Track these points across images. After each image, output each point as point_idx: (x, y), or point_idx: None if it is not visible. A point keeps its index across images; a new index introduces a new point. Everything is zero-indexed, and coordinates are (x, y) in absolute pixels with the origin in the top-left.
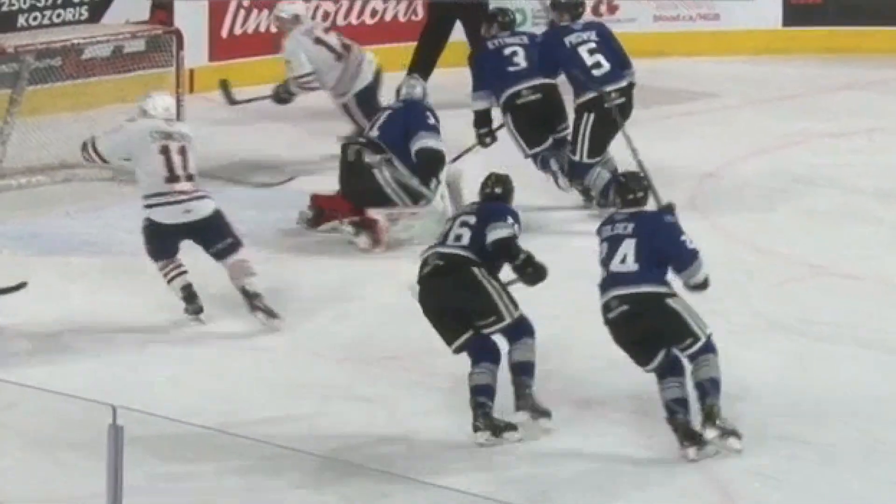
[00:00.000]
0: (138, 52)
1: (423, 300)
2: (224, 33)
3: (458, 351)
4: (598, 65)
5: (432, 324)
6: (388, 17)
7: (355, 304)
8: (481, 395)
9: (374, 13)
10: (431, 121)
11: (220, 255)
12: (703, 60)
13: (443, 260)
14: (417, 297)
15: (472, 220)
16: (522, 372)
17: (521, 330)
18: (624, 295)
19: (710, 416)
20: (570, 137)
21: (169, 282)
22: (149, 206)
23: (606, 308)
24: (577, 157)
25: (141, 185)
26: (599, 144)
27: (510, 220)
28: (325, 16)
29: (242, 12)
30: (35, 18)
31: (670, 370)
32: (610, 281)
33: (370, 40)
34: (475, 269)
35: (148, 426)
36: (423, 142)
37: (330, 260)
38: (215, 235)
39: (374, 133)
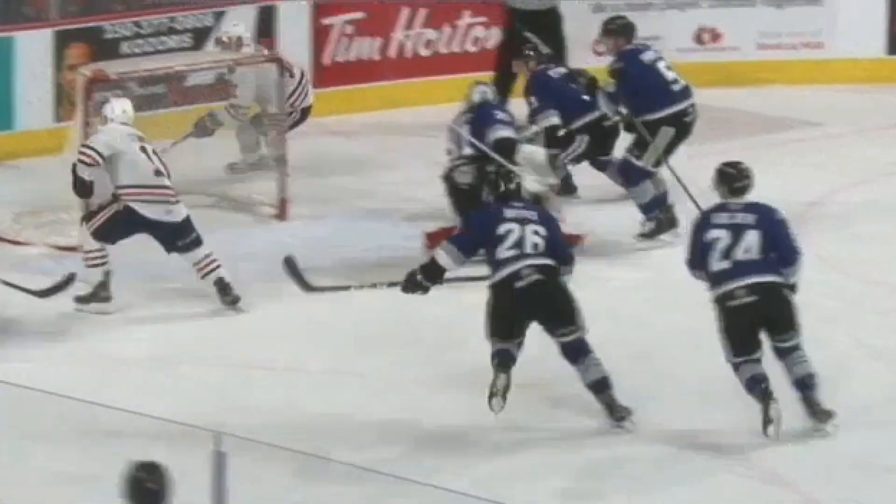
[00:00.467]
0: None
1: (519, 308)
2: (327, 60)
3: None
4: (676, 80)
5: (507, 323)
6: (489, 45)
7: (462, 333)
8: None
9: (475, 41)
10: (500, 115)
11: (185, 250)
12: (806, 89)
13: (541, 273)
14: (510, 305)
15: (542, 230)
16: (606, 387)
17: (586, 346)
18: (752, 284)
19: (820, 412)
20: (634, 142)
21: (93, 265)
22: (133, 197)
23: (730, 296)
24: (641, 163)
25: (122, 178)
26: (666, 157)
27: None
28: (427, 43)
29: (345, 40)
30: (139, 46)
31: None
32: (735, 270)
33: (473, 68)
34: (564, 280)
35: (252, 452)
36: (495, 133)
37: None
38: (181, 236)
39: (468, 151)
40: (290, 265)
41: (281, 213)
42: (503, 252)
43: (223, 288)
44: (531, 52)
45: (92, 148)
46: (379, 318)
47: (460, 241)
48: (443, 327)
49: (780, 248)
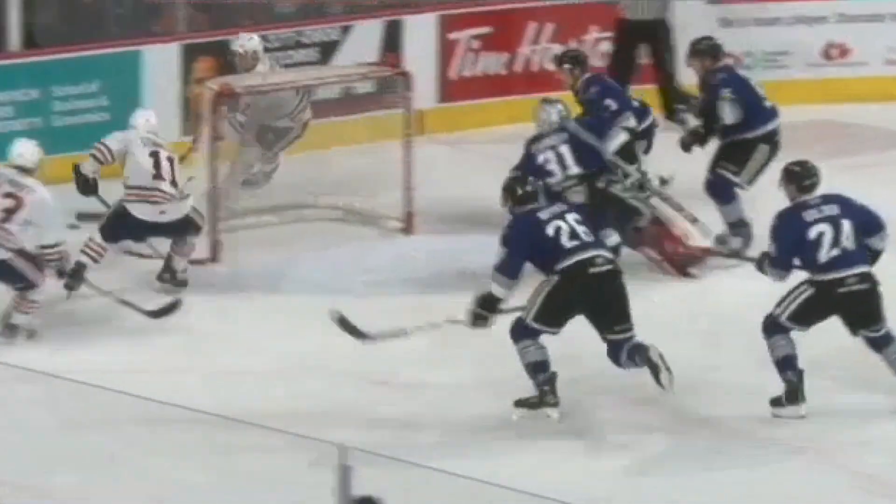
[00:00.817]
0: (368, 94)
1: (583, 295)
2: (453, 75)
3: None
4: (766, 98)
5: (562, 310)
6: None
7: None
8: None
9: (602, 55)
10: (593, 122)
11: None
12: None
13: (612, 264)
14: (576, 291)
15: (578, 216)
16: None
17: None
18: (862, 273)
19: None
20: (726, 158)
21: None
22: (129, 198)
23: (840, 283)
24: (739, 179)
25: (127, 179)
26: (758, 176)
27: None
28: (527, 63)
29: (472, 55)
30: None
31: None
32: (844, 259)
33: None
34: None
35: (377, 466)
36: (609, 144)
37: None
38: (182, 233)
39: (576, 170)
40: (342, 321)
41: (407, 227)
42: (567, 243)
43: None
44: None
45: (105, 144)
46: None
47: (506, 268)
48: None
49: (870, 221)
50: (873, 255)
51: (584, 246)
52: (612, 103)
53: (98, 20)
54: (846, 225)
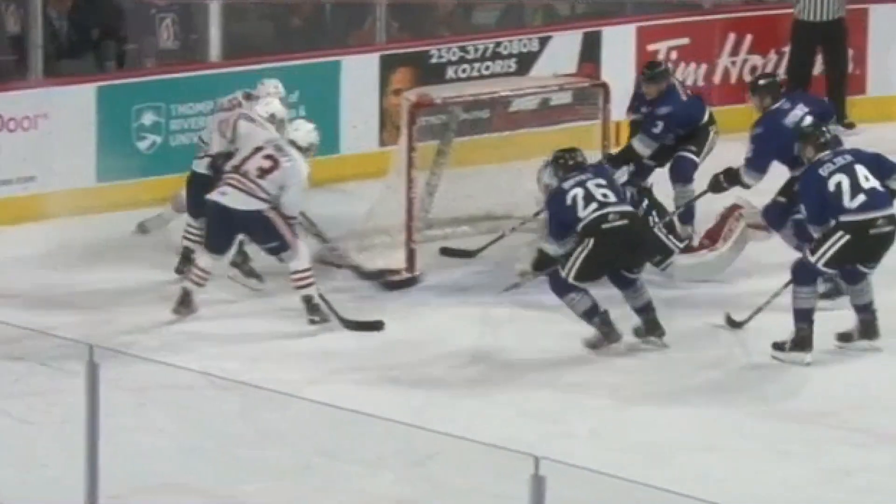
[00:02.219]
0: (565, 105)
1: (605, 248)
2: None
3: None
4: None
5: (595, 266)
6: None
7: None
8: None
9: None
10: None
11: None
12: None
13: (626, 218)
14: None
15: (602, 181)
16: (653, 309)
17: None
18: (889, 216)
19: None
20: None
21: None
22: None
23: (871, 224)
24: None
25: None
26: None
27: None
28: (753, 69)
29: (670, 65)
30: (464, 71)
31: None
32: (870, 201)
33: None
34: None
35: (569, 479)
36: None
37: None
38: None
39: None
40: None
41: None
42: (581, 213)
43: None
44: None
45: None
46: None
47: (551, 233)
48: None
49: (882, 165)
50: (892, 194)
51: (596, 208)
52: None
53: (298, 31)
54: (860, 169)
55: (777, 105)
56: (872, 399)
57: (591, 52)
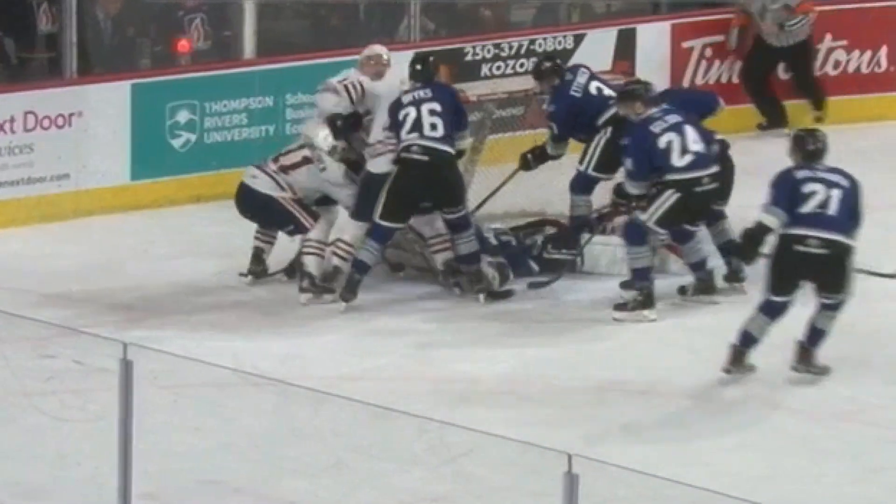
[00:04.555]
0: None
1: (403, 185)
2: (685, 82)
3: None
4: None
5: (392, 200)
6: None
7: None
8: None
9: (836, 64)
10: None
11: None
12: None
13: (428, 155)
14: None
15: (438, 106)
16: (478, 260)
17: (465, 223)
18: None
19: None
20: None
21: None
22: None
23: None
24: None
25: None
26: None
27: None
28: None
29: (704, 63)
30: (498, 68)
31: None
32: (697, 160)
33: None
34: (456, 164)
35: (604, 476)
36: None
37: None
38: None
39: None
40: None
41: None
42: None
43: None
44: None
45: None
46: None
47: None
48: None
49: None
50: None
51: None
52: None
53: (333, 29)
54: (689, 130)
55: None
56: None
57: (625, 49)
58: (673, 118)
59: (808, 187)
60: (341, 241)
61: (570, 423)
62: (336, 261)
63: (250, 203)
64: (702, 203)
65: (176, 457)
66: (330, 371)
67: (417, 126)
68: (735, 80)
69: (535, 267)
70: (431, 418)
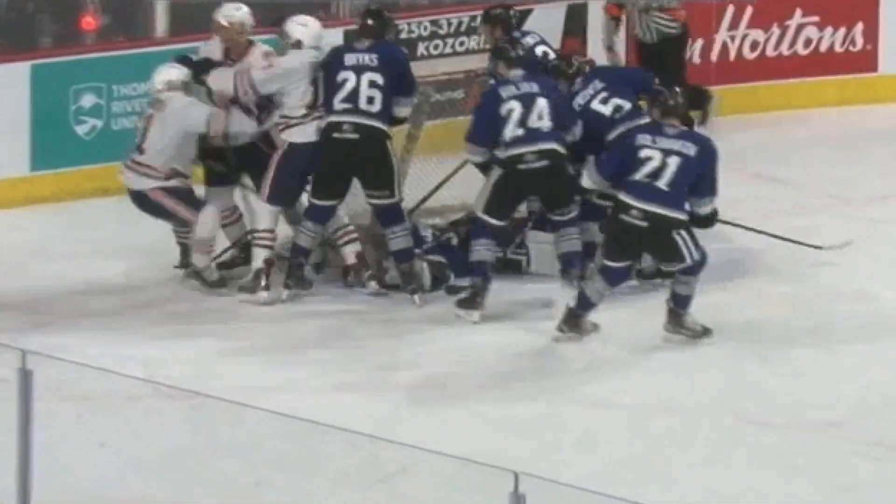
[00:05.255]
0: None
1: (330, 160)
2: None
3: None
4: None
5: (322, 177)
6: (822, 48)
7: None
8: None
9: (807, 43)
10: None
11: None
12: None
13: (358, 132)
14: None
15: (379, 78)
16: (403, 258)
17: (395, 215)
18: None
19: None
20: None
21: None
22: None
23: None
24: None
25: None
26: None
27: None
28: (754, 45)
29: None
30: (436, 47)
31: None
32: (526, 135)
33: (802, 72)
34: (387, 143)
35: (554, 495)
36: None
37: None
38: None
39: None
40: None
41: None
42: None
43: None
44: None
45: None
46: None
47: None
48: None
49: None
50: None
51: (346, 109)
52: None
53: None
54: (540, 104)
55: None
56: (881, 408)
57: (574, 25)
58: (528, 87)
59: (644, 153)
60: (259, 231)
61: (517, 439)
62: (262, 254)
63: (134, 201)
64: (530, 183)
65: (81, 474)
66: (250, 381)
67: (353, 97)
68: (696, 59)
69: None
70: (362, 433)
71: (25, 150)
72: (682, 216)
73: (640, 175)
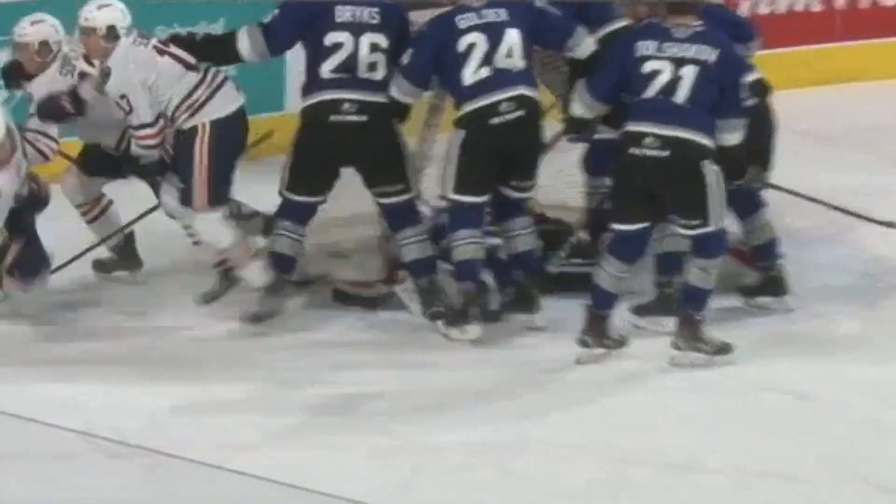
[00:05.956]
0: None
1: (320, 149)
2: None
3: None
4: None
5: (305, 169)
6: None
7: None
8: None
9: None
10: None
11: None
12: None
13: (367, 113)
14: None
15: (383, 40)
16: (419, 270)
17: (410, 216)
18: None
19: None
20: None
21: None
22: None
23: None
24: None
25: None
26: None
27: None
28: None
29: None
30: None
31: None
32: (492, 79)
33: None
34: (394, 122)
35: None
36: None
37: None
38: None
39: None
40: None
41: None
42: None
43: None
44: None
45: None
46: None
47: None
48: None
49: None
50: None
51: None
52: None
53: None
54: (511, 37)
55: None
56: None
57: None
58: (494, 15)
59: (649, 66)
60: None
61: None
62: (260, 274)
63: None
64: (504, 142)
65: None
66: (221, 436)
67: (351, 64)
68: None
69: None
70: (362, 502)
71: None
72: (711, 143)
73: (649, 93)
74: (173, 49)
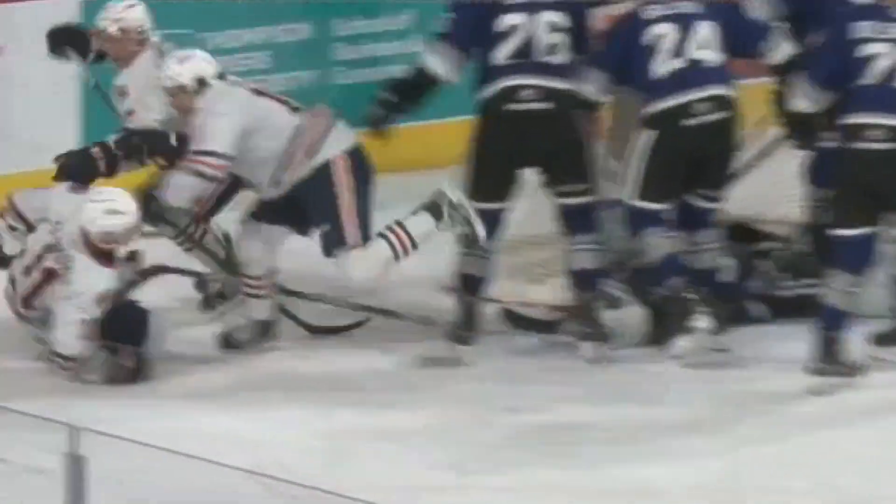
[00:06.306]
0: None
1: (494, 143)
2: None
3: None
4: None
5: (484, 168)
6: None
7: None
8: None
9: None
10: None
11: None
12: None
13: (553, 100)
14: None
15: (561, 19)
16: (584, 283)
17: (587, 220)
18: (714, 97)
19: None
20: None
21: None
22: None
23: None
24: None
25: None
26: None
27: None
28: None
29: None
30: None
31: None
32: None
33: None
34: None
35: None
36: None
37: None
38: None
39: None
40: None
41: None
42: None
43: None
44: None
45: None
46: None
47: None
48: None
49: (752, 35)
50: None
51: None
52: None
53: None
54: (703, 29)
55: None
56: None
57: None
58: (687, 7)
59: (869, 49)
60: (248, 277)
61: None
62: (258, 305)
63: None
64: (698, 146)
65: None
66: (406, 476)
67: (525, 48)
68: None
69: (757, 310)
70: None
71: None
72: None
73: (868, 80)
74: (268, 91)
